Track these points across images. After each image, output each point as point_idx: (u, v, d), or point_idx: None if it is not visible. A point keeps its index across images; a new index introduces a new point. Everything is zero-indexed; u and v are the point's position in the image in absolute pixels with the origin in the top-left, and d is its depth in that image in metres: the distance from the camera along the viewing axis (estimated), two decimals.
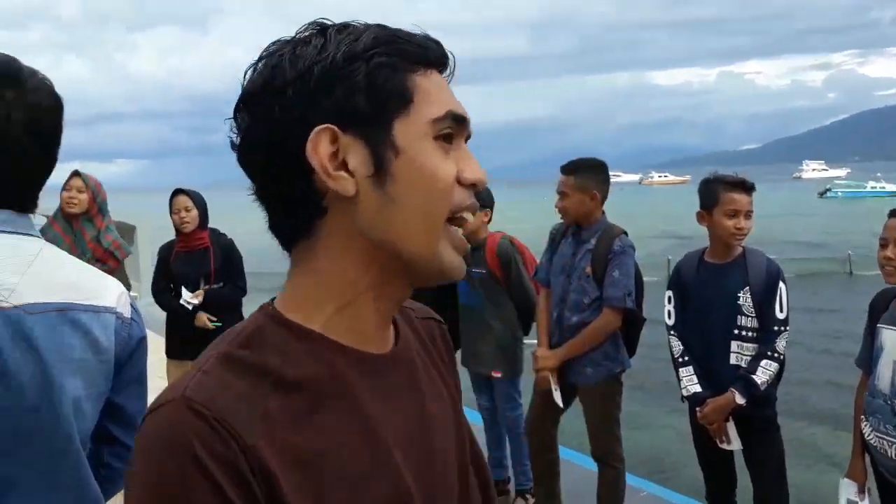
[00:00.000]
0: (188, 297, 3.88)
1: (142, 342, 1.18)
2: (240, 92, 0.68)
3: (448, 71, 0.71)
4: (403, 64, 0.66)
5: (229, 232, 4.15)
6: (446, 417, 0.77)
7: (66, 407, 1.06)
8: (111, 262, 3.76)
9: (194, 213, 3.90)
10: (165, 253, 4.05)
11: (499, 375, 3.58)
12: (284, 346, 0.65)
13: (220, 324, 3.83)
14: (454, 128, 0.68)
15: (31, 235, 1.12)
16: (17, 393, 1.02)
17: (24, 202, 1.12)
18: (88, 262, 3.55)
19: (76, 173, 3.72)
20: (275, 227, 0.70)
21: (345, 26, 0.68)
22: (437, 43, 0.70)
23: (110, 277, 1.20)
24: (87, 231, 3.71)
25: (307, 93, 0.64)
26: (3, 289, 1.03)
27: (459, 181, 0.68)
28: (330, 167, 0.64)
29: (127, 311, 1.16)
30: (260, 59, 0.67)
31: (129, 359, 1.17)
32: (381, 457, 0.66)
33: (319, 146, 0.63)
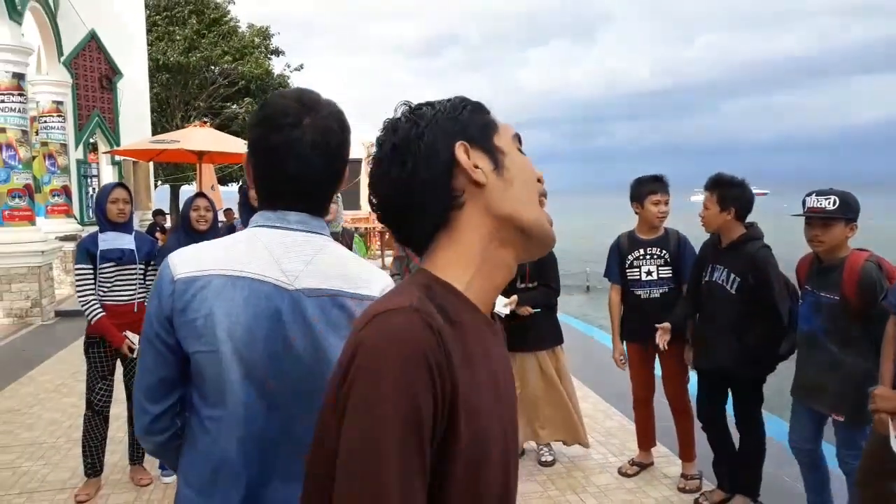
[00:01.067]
0: (500, 307, 4.04)
1: None
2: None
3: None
4: (481, 108, 1.01)
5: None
6: (511, 381, 1.02)
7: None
8: None
9: None
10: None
11: (840, 419, 3.08)
12: (448, 298, 0.90)
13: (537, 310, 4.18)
14: (519, 143, 1.03)
15: (320, 234, 1.37)
16: (296, 358, 1.28)
17: (316, 207, 1.38)
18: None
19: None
20: (415, 230, 0.99)
21: (431, 102, 1.01)
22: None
23: (379, 272, 1.40)
24: None
25: (443, 128, 0.97)
26: (290, 274, 1.30)
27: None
28: (470, 164, 0.95)
29: None
30: (394, 125, 0.99)
31: None
32: (500, 393, 0.92)
33: (461, 154, 0.95)
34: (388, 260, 13.54)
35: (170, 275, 1.31)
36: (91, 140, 14.94)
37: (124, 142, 14.57)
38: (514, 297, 4.24)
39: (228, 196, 18.28)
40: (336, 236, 4.50)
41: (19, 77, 9.60)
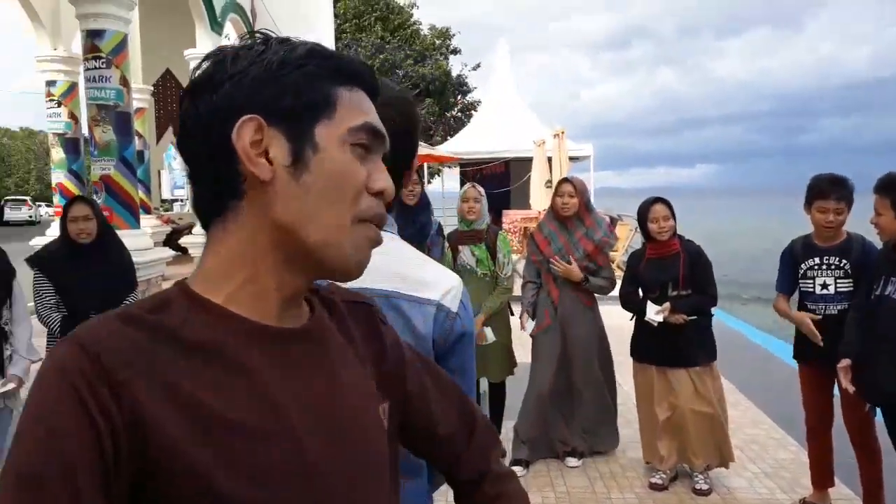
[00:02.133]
0: (653, 315, 3.89)
1: (464, 336, 1.28)
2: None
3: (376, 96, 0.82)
4: (332, 76, 0.76)
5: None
6: (360, 386, 0.83)
7: None
8: (600, 257, 4.24)
9: (671, 222, 3.97)
10: (636, 260, 4.15)
11: None
12: (185, 314, 0.71)
13: (693, 316, 3.87)
14: (371, 140, 0.77)
15: (384, 231, 1.19)
16: None
17: None
18: (583, 257, 4.12)
19: (566, 180, 4.39)
20: (196, 205, 0.78)
21: (286, 39, 0.77)
22: (370, 69, 0.81)
23: (447, 274, 1.31)
24: (577, 229, 4.27)
25: (242, 88, 0.73)
26: None
27: (368, 189, 0.76)
28: (251, 152, 0.72)
29: (453, 306, 1.26)
30: (207, 57, 0.76)
31: (451, 350, 1.27)
32: (275, 418, 0.71)
33: (244, 133, 0.71)
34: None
35: None
36: None
37: None
38: (668, 305, 3.88)
39: None
40: (480, 234, 4.36)
41: None
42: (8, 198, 41.39)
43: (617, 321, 4.55)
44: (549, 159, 13.48)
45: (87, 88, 7.49)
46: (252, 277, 0.74)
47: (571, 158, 14.79)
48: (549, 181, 12.92)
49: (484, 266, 4.34)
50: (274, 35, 0.78)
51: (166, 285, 0.84)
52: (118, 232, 7.38)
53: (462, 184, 5.60)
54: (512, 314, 4.60)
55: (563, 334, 4.31)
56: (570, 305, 4.30)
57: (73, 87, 10.53)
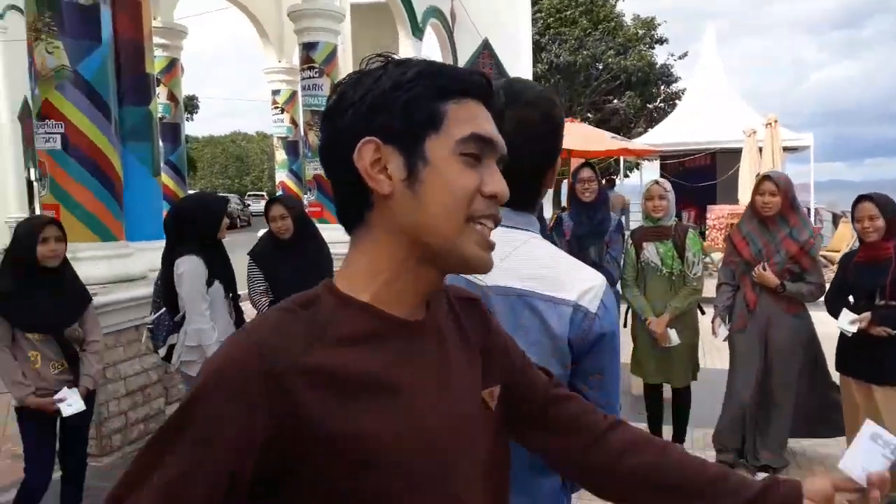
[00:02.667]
0: (846, 324, 3.55)
1: (604, 337, 1.26)
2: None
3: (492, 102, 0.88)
4: (439, 93, 0.83)
5: None
6: (466, 379, 0.92)
7: None
8: (805, 260, 3.84)
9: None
10: (846, 262, 3.79)
11: None
12: (333, 310, 0.82)
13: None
14: (480, 148, 0.84)
15: (524, 230, 1.33)
16: None
17: (521, 201, 1.32)
18: (785, 260, 3.83)
19: (767, 177, 3.97)
20: (339, 217, 0.89)
21: (402, 62, 0.85)
22: (482, 77, 0.86)
23: (586, 274, 1.30)
24: (780, 230, 3.91)
25: (360, 113, 0.82)
26: None
27: (482, 192, 0.83)
28: (371, 170, 0.81)
29: (592, 306, 1.25)
30: (337, 85, 0.88)
31: (590, 350, 1.27)
32: (402, 399, 0.82)
33: (364, 154, 0.81)
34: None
35: None
36: None
37: None
38: (867, 315, 3.44)
39: None
40: (666, 231, 4.18)
41: None
42: (249, 192, 47.09)
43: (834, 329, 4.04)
44: (761, 150, 12.44)
45: (303, 96, 8.28)
46: (392, 279, 0.84)
47: (787, 149, 13.53)
48: (759, 174, 11.93)
49: (669, 265, 4.15)
50: (392, 58, 0.87)
51: None
52: (329, 226, 8.12)
53: (663, 178, 5.35)
54: (702, 313, 4.35)
55: (763, 341, 3.99)
56: (768, 311, 3.96)
57: (293, 95, 11.69)
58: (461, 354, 0.93)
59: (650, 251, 4.20)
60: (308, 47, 8.06)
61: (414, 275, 0.85)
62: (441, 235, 0.82)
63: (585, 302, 1.26)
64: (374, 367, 0.81)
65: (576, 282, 1.28)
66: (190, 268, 3.36)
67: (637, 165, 21.44)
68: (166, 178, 8.64)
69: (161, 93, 8.66)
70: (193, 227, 3.45)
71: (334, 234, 7.67)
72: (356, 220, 0.86)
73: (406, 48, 10.98)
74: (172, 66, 8.88)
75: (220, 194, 8.23)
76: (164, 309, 3.55)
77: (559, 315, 1.25)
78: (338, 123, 0.84)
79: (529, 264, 1.29)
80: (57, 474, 3.25)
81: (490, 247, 0.85)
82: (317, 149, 8.03)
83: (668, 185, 4.24)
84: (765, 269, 3.88)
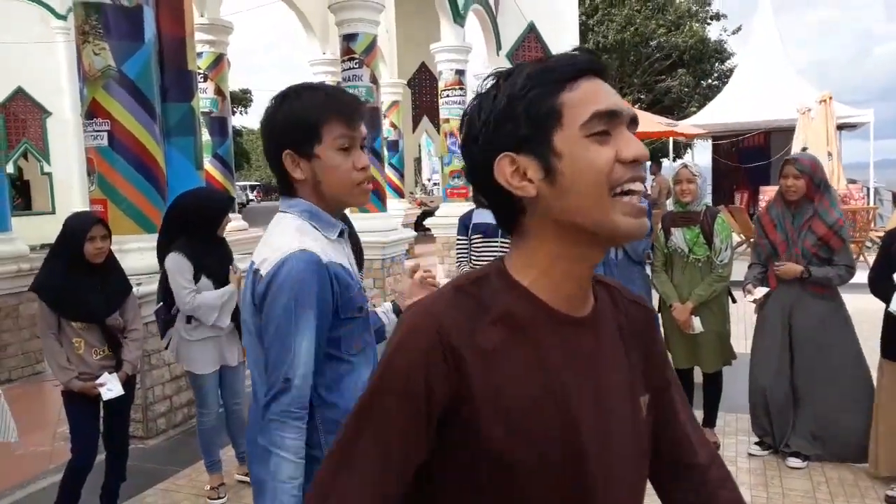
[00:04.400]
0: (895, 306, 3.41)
1: (265, 301, 1.58)
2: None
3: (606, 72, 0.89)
4: (551, 88, 0.87)
5: None
6: (622, 379, 0.95)
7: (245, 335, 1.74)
8: (834, 240, 3.80)
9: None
10: (890, 240, 3.64)
11: None
12: (499, 290, 0.90)
13: None
14: (606, 122, 0.86)
15: (284, 212, 1.71)
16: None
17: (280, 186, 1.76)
18: (814, 242, 3.77)
19: (789, 161, 3.92)
20: (502, 227, 0.97)
21: (510, 73, 0.91)
22: (587, 53, 0.90)
23: (285, 244, 1.61)
24: (806, 212, 3.86)
25: (490, 135, 0.90)
26: (258, 252, 1.71)
27: (620, 160, 0.85)
28: (513, 181, 0.89)
29: (263, 271, 1.60)
30: (464, 114, 0.95)
31: (262, 307, 1.59)
32: (553, 388, 0.87)
33: (502, 169, 0.89)
34: None
35: None
36: None
37: None
38: None
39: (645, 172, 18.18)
40: (695, 216, 4.14)
41: (460, 73, 11.16)
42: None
43: (874, 308, 3.87)
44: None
45: (344, 87, 8.41)
46: (547, 270, 0.91)
47: (844, 126, 13.02)
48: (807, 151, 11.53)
49: (696, 251, 4.12)
50: (501, 73, 0.93)
51: (411, 263, 1.13)
52: (368, 215, 8.26)
53: (714, 159, 5.18)
54: (734, 301, 4.30)
55: (787, 324, 3.93)
56: (791, 294, 3.90)
57: None
58: (621, 355, 0.97)
59: (677, 237, 4.17)
60: (348, 38, 8.17)
61: (570, 261, 0.90)
62: (591, 215, 0.86)
63: (263, 268, 1.59)
64: (529, 352, 0.88)
65: (269, 250, 1.61)
66: (171, 264, 3.56)
67: (689, 146, 20.93)
68: (214, 171, 8.94)
69: (208, 88, 8.93)
70: (184, 225, 3.61)
71: (373, 223, 7.82)
72: (512, 224, 0.94)
73: (447, 35, 11.01)
74: (219, 61, 9.13)
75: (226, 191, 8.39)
76: (161, 303, 3.73)
77: (253, 280, 1.62)
78: (474, 150, 0.92)
79: (264, 239, 1.68)
80: (102, 455, 3.47)
81: (640, 213, 0.87)
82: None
83: (696, 170, 4.18)
84: (781, 265, 3.86)
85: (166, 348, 3.85)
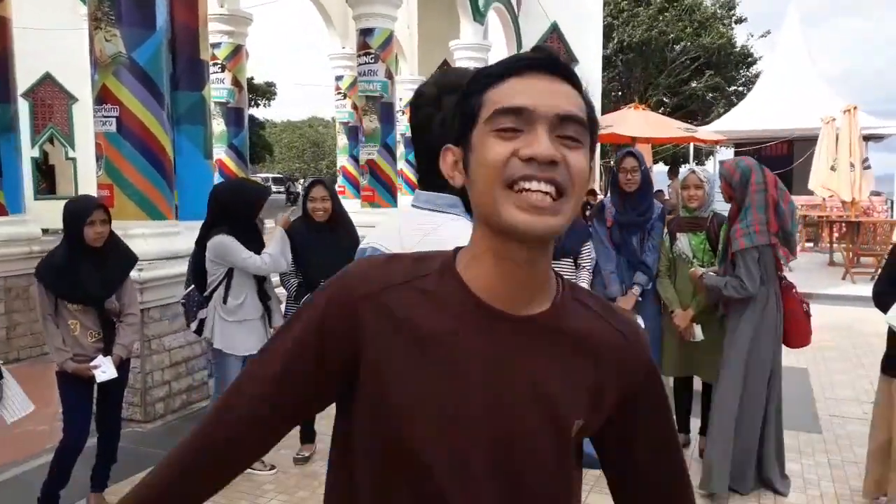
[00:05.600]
0: (893, 318, 3.25)
1: None
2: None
3: (552, 67, 0.90)
4: (482, 84, 0.91)
5: None
6: (550, 392, 0.90)
7: None
8: (731, 251, 3.69)
9: None
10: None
11: None
12: (435, 270, 0.94)
13: None
14: (513, 119, 0.86)
15: (445, 212, 1.42)
16: None
17: (440, 184, 1.41)
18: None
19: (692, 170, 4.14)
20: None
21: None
22: (541, 52, 0.91)
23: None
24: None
25: (446, 127, 0.99)
26: (403, 249, 1.37)
27: (519, 157, 0.85)
28: (450, 171, 0.95)
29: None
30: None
31: None
32: (451, 378, 0.88)
33: (445, 160, 0.96)
34: (838, 256, 11.62)
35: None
36: None
37: None
38: None
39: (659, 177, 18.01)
40: (701, 222, 4.07)
41: None
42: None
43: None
44: (838, 138, 11.81)
45: (359, 82, 8.43)
46: (477, 254, 0.92)
47: (868, 137, 12.79)
48: (835, 165, 11.35)
49: (700, 257, 4.05)
50: (460, 71, 1.03)
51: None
52: (380, 209, 8.27)
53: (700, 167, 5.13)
54: None
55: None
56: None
57: (355, 82, 11.89)
58: (564, 370, 0.92)
59: (683, 242, 4.11)
60: (365, 33, 8.18)
61: (492, 253, 0.90)
62: (487, 207, 0.87)
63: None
64: (440, 329, 0.89)
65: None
66: (224, 242, 3.68)
67: (711, 153, 20.71)
68: (229, 161, 8.99)
69: (226, 78, 8.98)
70: (225, 211, 3.70)
71: (378, 218, 7.82)
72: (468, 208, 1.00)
73: (467, 33, 10.98)
74: (237, 52, 9.18)
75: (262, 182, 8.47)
76: (192, 286, 3.76)
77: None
78: (428, 137, 1.04)
79: (440, 244, 1.31)
80: (95, 437, 3.49)
81: (537, 209, 0.84)
82: (371, 133, 8.23)
83: (705, 175, 4.11)
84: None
85: (196, 332, 3.93)
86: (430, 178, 1.42)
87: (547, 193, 0.84)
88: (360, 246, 1.54)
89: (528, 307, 0.91)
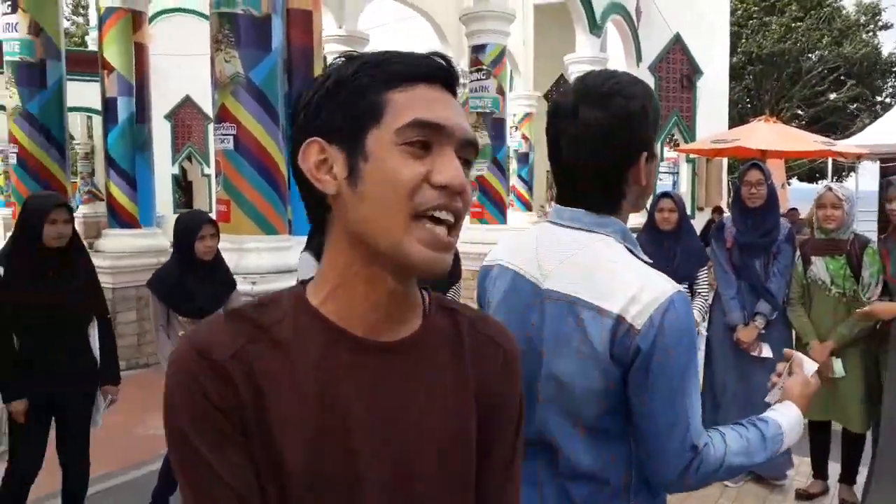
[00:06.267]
0: None
1: (649, 358, 1.15)
2: None
3: (452, 83, 0.81)
4: (382, 83, 0.77)
5: None
6: (443, 416, 0.82)
7: (546, 382, 1.25)
8: None
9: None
10: None
11: None
12: (285, 313, 0.79)
13: None
14: (428, 135, 0.76)
15: (593, 232, 1.27)
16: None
17: (594, 202, 1.29)
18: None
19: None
20: (311, 224, 0.85)
21: (354, 58, 0.81)
22: (437, 60, 0.80)
23: (644, 283, 1.18)
24: None
25: (309, 115, 0.80)
26: (544, 271, 1.28)
27: (431, 183, 0.75)
28: (316, 172, 0.79)
29: (638, 321, 1.15)
30: (298, 93, 0.88)
31: (634, 378, 1.18)
32: (334, 423, 0.76)
33: (308, 155, 0.79)
34: None
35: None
36: (672, 136, 15.72)
37: (700, 137, 14.85)
38: None
39: (801, 194, 16.78)
40: (839, 245, 3.64)
41: None
42: None
43: None
44: None
45: (470, 98, 8.39)
46: (342, 283, 0.80)
47: None
48: None
49: (840, 284, 3.61)
50: (350, 56, 0.82)
51: None
52: (489, 226, 8.15)
53: (882, 184, 4.56)
54: None
55: None
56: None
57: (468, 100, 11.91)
58: (450, 390, 0.84)
59: (818, 267, 3.68)
60: (477, 49, 8.15)
61: (364, 281, 0.79)
62: (383, 234, 0.76)
63: (630, 315, 1.15)
64: (308, 378, 0.77)
65: (627, 291, 1.17)
66: (299, 262, 3.64)
67: (853, 168, 19.10)
68: None
69: None
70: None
71: (489, 234, 7.69)
72: (321, 223, 0.83)
73: (583, 45, 10.72)
74: None
75: None
76: None
77: (601, 327, 1.17)
78: (293, 128, 0.83)
79: (587, 268, 1.22)
80: None
81: (442, 246, 0.76)
82: (481, 150, 8.15)
83: (844, 193, 3.67)
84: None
85: None
86: (567, 194, 1.31)
87: (447, 225, 0.77)
88: (485, 262, 1.42)
89: (401, 330, 0.82)
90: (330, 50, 9.40)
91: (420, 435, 0.81)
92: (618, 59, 12.76)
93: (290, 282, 4.75)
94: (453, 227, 0.77)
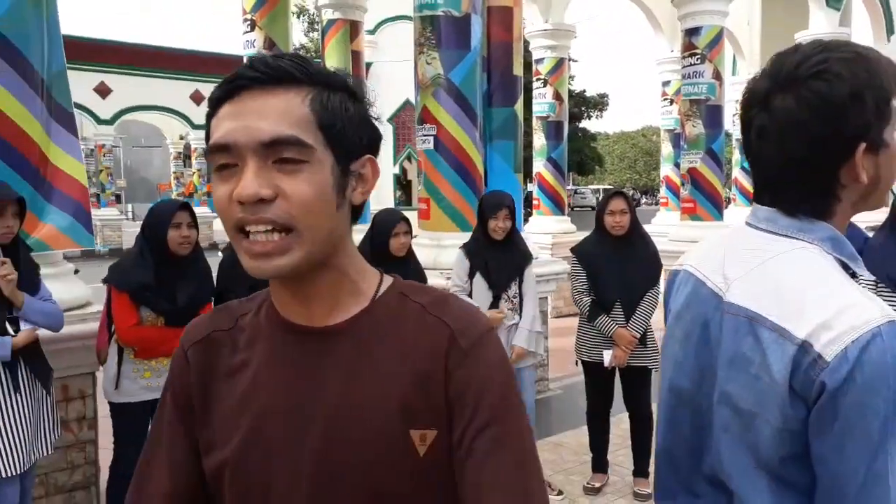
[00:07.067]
0: None
1: (834, 398, 0.92)
2: None
3: (266, 80, 0.80)
4: (212, 113, 0.82)
5: None
6: (374, 402, 0.84)
7: (720, 407, 1.06)
8: None
9: None
10: None
11: None
12: (258, 305, 0.94)
13: None
14: (226, 157, 0.79)
15: (790, 238, 1.06)
16: (686, 362, 1.14)
17: (790, 202, 1.07)
18: None
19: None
20: None
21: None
22: (241, 68, 0.81)
23: (850, 306, 0.94)
24: None
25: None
26: (728, 280, 1.08)
27: (235, 200, 0.79)
28: None
29: (828, 351, 0.92)
30: None
31: (817, 416, 0.94)
32: (257, 402, 0.87)
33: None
34: None
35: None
36: None
37: None
38: None
39: None
40: None
41: None
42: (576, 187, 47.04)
43: None
44: None
45: (683, 85, 7.86)
46: (273, 283, 0.91)
47: None
48: None
49: None
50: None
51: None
52: (702, 223, 7.58)
53: None
54: None
55: None
56: None
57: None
58: (385, 375, 0.85)
59: None
60: (690, 33, 7.60)
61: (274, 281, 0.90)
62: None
63: (819, 342, 0.91)
64: (247, 359, 0.90)
65: (819, 312, 0.93)
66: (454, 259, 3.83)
67: None
68: (546, 174, 9.13)
69: (547, 93, 9.14)
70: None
71: (692, 232, 7.12)
72: None
73: (818, 21, 9.55)
74: (559, 66, 9.28)
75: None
76: None
77: (783, 353, 0.95)
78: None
79: (776, 281, 1.01)
80: None
81: (257, 255, 0.79)
82: (694, 140, 7.59)
83: None
84: None
85: None
86: (762, 191, 1.10)
87: (270, 232, 0.78)
88: (674, 265, 1.28)
89: (331, 317, 0.87)
90: (535, 45, 9.34)
91: (359, 425, 0.83)
92: (863, 32, 11.21)
93: None
94: (289, 232, 0.78)
